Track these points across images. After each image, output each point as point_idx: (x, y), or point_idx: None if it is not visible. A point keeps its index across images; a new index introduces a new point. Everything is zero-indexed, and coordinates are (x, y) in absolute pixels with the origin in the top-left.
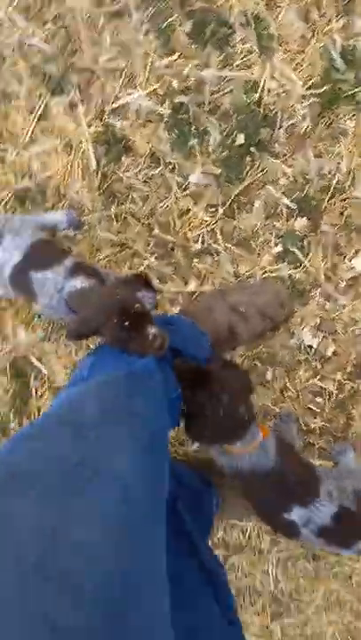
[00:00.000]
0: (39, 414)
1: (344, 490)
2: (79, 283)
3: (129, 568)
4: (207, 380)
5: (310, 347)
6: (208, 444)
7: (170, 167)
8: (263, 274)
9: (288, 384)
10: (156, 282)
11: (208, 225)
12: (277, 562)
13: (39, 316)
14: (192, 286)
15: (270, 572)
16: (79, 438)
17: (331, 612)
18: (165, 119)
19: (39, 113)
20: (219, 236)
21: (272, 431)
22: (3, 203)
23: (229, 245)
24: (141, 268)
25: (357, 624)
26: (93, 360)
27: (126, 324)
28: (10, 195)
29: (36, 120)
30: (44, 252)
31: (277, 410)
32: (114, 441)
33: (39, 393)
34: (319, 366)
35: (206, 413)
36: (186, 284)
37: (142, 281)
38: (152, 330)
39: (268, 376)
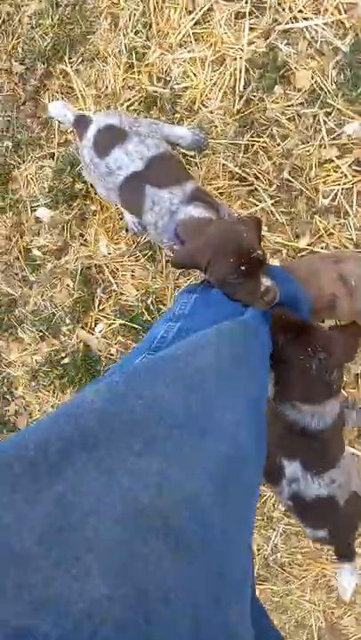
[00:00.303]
0: (95, 325)
1: (346, 484)
2: (196, 212)
3: (227, 526)
4: (310, 336)
5: None
6: (286, 401)
7: (327, 110)
8: None
9: None
10: (264, 227)
11: (348, 183)
12: (283, 533)
13: (127, 230)
14: (304, 242)
15: (272, 539)
16: (194, 389)
17: (315, 593)
18: (341, 56)
19: (199, 15)
20: (354, 197)
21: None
22: (128, 103)
23: None
24: (255, 209)
25: (337, 613)
26: (196, 298)
27: (243, 268)
28: (139, 96)
29: (192, 22)
30: (166, 168)
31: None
32: (228, 394)
33: (102, 306)
34: None
35: (297, 370)
36: (298, 237)
37: (260, 227)
38: (266, 281)
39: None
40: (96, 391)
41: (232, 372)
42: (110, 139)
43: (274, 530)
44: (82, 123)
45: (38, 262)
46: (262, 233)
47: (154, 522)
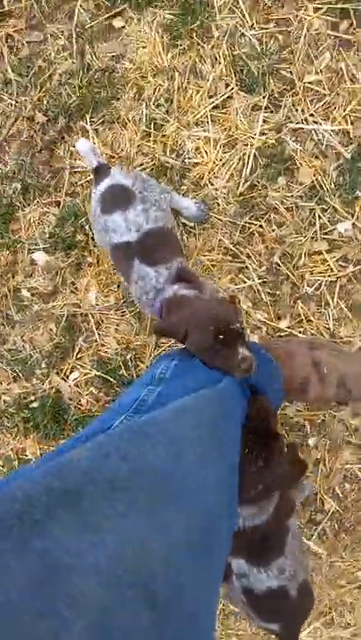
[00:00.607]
0: (71, 373)
1: (296, 574)
2: (180, 290)
3: (198, 589)
4: (268, 447)
5: None
6: None
7: (324, 206)
8: None
9: (326, 458)
10: (248, 304)
11: (332, 276)
12: (222, 611)
13: (119, 286)
14: (284, 324)
15: None
16: (174, 457)
17: None
18: (343, 161)
19: (219, 101)
20: (336, 290)
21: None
22: (140, 167)
23: (342, 304)
24: (243, 286)
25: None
26: (176, 364)
27: (221, 337)
28: (151, 163)
29: (212, 106)
30: (158, 244)
31: None
32: (205, 462)
33: (80, 355)
34: None
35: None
36: (279, 318)
37: (235, 304)
38: (244, 351)
39: (311, 442)
40: (82, 450)
41: (209, 440)
42: (117, 199)
43: None
44: (101, 172)
45: (25, 303)
46: (245, 309)
47: (134, 584)
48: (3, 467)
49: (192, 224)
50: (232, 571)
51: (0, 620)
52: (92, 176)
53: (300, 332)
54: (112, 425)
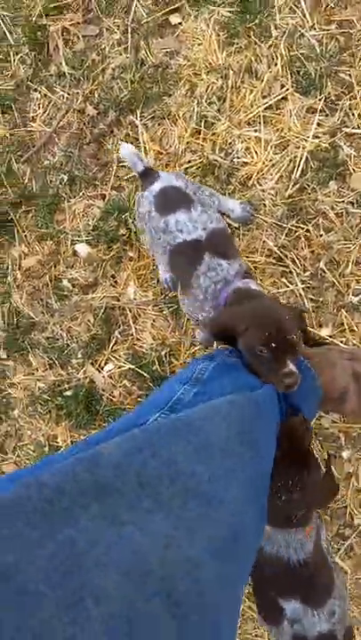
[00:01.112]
0: (105, 364)
1: (343, 616)
2: (252, 284)
3: (220, 600)
4: (300, 466)
5: None
6: None
7: None
8: None
9: (359, 472)
10: None
11: None
12: (241, 616)
13: (158, 281)
14: (325, 332)
15: None
16: (204, 458)
17: None
18: None
19: (273, 101)
20: None
21: (314, 530)
22: (187, 165)
23: None
24: (285, 290)
25: None
26: (215, 366)
27: (274, 345)
28: (198, 161)
29: (265, 106)
30: (225, 242)
31: None
32: (234, 469)
33: (116, 347)
34: None
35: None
36: (320, 326)
37: (304, 321)
38: (292, 366)
39: (345, 455)
40: (113, 443)
41: (239, 448)
42: (175, 199)
43: None
44: (150, 176)
45: (65, 293)
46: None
47: (157, 582)
48: (33, 451)
49: (237, 225)
50: (285, 615)
51: (26, 609)
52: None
53: (341, 342)
54: (147, 420)
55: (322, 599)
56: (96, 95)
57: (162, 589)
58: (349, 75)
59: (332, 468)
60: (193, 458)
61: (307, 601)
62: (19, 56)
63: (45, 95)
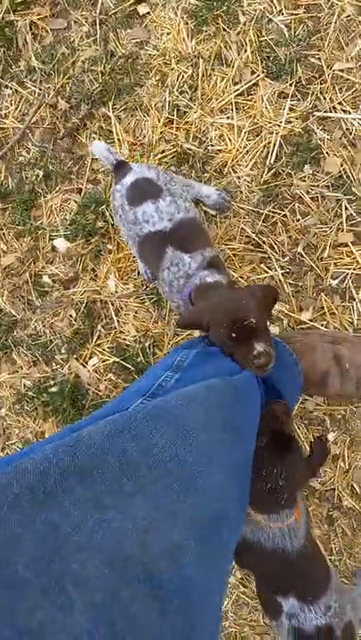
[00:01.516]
0: (90, 358)
1: (342, 613)
2: (210, 277)
3: (204, 582)
4: (283, 451)
5: None
6: None
7: (350, 197)
8: None
9: (346, 454)
10: None
11: (358, 268)
12: (236, 601)
13: (138, 273)
14: (306, 316)
15: (224, 605)
16: (184, 441)
17: None
18: None
19: (244, 88)
20: None
21: (303, 516)
22: (161, 155)
23: None
24: (265, 276)
25: None
26: (197, 353)
27: (234, 334)
28: (173, 150)
29: (237, 93)
30: (190, 233)
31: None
32: (215, 453)
33: (99, 341)
34: None
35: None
36: (301, 310)
37: (274, 296)
38: (259, 346)
39: (331, 437)
40: (94, 428)
41: (220, 433)
42: (145, 191)
43: (228, 597)
44: (122, 169)
45: (46, 289)
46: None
47: (137, 567)
48: (22, 449)
49: (214, 212)
50: (282, 612)
51: (6, 594)
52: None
53: (322, 325)
54: (129, 406)
55: (318, 594)
56: (67, 89)
57: (142, 573)
58: (319, 58)
59: (327, 440)
60: (173, 442)
61: (303, 597)
62: None
63: (16, 91)
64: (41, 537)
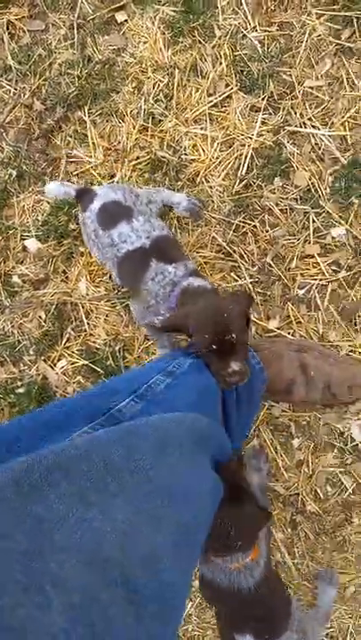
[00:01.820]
0: (58, 361)
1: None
2: (197, 282)
3: (178, 588)
4: (230, 500)
5: (354, 440)
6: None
7: (318, 210)
8: (350, 351)
9: (310, 460)
10: None
11: (323, 280)
12: (199, 605)
13: (111, 277)
14: (273, 324)
15: (188, 608)
16: (161, 452)
17: None
18: (339, 166)
19: (218, 100)
20: (327, 294)
21: (263, 556)
22: (135, 161)
23: (332, 309)
24: (234, 284)
25: None
26: (191, 363)
27: (215, 347)
28: (147, 157)
29: (210, 104)
30: (170, 247)
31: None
32: (195, 467)
33: (69, 344)
34: (350, 461)
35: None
36: (268, 319)
37: (250, 304)
38: (235, 365)
39: (295, 443)
40: (79, 438)
41: (196, 450)
42: (116, 213)
43: (191, 600)
44: (86, 195)
45: (16, 289)
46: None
47: (115, 570)
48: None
49: (186, 221)
50: None
51: None
52: (88, 167)
53: (289, 334)
54: (119, 403)
55: (277, 632)
56: (43, 90)
57: (120, 577)
58: (290, 75)
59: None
60: (153, 453)
61: (260, 635)
62: None
63: None
64: (26, 531)
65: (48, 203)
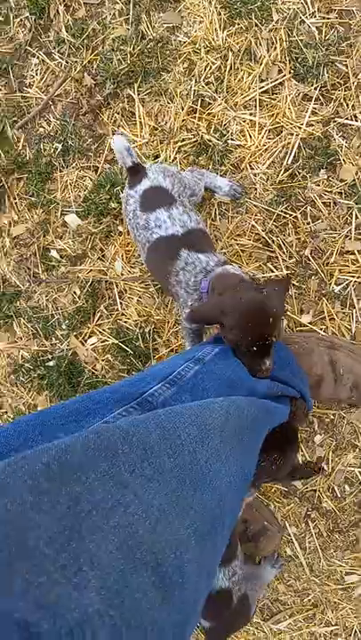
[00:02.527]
0: (89, 337)
1: (242, 580)
2: (232, 269)
3: (198, 581)
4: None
5: None
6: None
7: None
8: None
9: (330, 457)
10: None
11: (360, 277)
12: None
13: None
14: (306, 319)
15: None
16: (202, 440)
17: None
18: None
19: (270, 86)
20: None
21: None
22: (181, 142)
23: None
24: (270, 275)
25: None
26: (219, 351)
27: (254, 348)
28: (193, 140)
29: (262, 90)
30: (202, 240)
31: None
32: (227, 459)
33: (100, 321)
34: None
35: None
36: (301, 312)
37: (288, 288)
38: (268, 362)
39: (317, 439)
40: (120, 419)
41: (233, 441)
42: (158, 199)
43: None
44: (138, 174)
45: (53, 263)
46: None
47: (147, 555)
48: (12, 420)
49: (226, 207)
50: None
51: (26, 566)
52: (133, 145)
53: (321, 329)
54: (149, 389)
55: (230, 557)
56: (95, 65)
57: (151, 562)
58: (346, 65)
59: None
60: (193, 438)
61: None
62: (18, 19)
63: (43, 61)
64: (64, 510)
65: (91, 180)
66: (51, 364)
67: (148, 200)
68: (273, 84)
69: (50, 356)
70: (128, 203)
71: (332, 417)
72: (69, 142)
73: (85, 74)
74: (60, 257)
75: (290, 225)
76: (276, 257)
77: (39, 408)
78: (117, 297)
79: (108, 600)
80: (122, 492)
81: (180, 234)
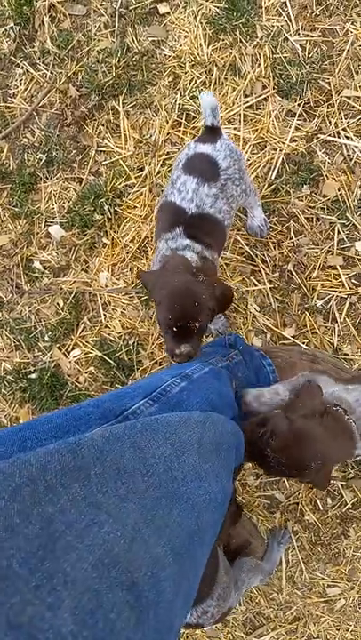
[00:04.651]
0: (72, 349)
1: (218, 612)
2: (188, 254)
3: (175, 599)
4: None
5: (358, 455)
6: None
7: (344, 222)
8: None
9: None
10: (256, 307)
11: (343, 292)
12: None
13: (131, 271)
14: (289, 332)
15: None
16: (178, 457)
17: None
18: None
19: (254, 101)
20: (346, 307)
21: None
22: (166, 156)
23: (349, 322)
24: (253, 289)
25: None
26: (208, 371)
27: (175, 329)
28: (177, 153)
29: (246, 105)
30: (207, 230)
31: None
32: (203, 475)
33: (84, 333)
34: (352, 475)
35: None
36: (284, 326)
37: (232, 299)
38: (183, 348)
39: None
40: (96, 432)
41: (212, 457)
42: (203, 168)
43: None
44: (210, 135)
45: (36, 274)
46: (253, 312)
47: (122, 575)
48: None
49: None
50: None
51: (4, 590)
52: (118, 157)
53: (303, 343)
54: (133, 405)
55: (199, 598)
56: (79, 77)
57: (126, 581)
58: (329, 83)
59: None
60: (168, 456)
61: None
62: (2, 29)
63: (28, 72)
64: (37, 530)
65: (75, 191)
66: (33, 376)
67: (195, 163)
68: (257, 99)
69: (32, 368)
70: (183, 151)
71: None
72: (54, 153)
73: (70, 85)
74: (44, 268)
75: (273, 240)
76: (260, 271)
77: (21, 421)
78: (101, 309)
79: (81, 621)
80: (95, 512)
81: (190, 212)
